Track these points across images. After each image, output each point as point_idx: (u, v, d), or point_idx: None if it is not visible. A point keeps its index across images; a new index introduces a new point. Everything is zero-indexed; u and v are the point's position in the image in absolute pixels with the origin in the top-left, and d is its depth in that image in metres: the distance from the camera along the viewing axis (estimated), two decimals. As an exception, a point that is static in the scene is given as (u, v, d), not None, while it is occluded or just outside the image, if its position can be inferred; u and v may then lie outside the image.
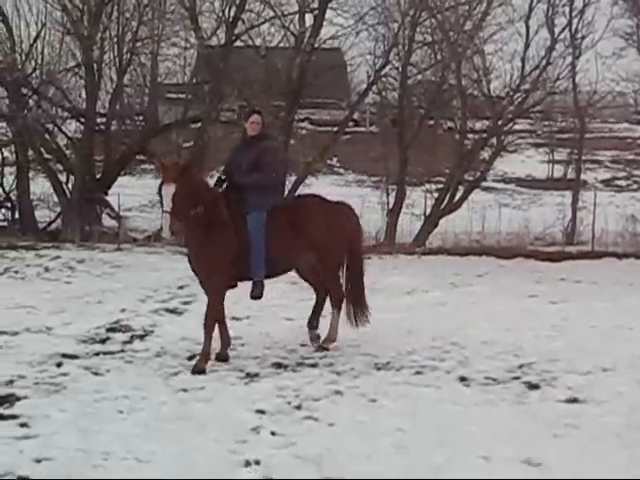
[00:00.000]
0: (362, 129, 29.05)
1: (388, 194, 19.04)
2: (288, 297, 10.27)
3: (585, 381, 6.88)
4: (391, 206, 18.61)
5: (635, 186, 27.19)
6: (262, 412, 5.77)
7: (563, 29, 19.31)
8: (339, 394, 6.56)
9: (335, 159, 27.65)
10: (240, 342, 8.30)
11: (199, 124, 18.87)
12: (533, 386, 6.93)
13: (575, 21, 19.37)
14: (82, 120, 18.99)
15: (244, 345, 8.26)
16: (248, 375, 7.08)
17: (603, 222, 18.73)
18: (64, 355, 7.77)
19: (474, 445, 5.02)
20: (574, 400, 6.37)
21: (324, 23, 18.55)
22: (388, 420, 5.73)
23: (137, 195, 20.58)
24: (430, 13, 18.25)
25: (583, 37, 19.58)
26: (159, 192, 6.74)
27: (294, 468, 4.83)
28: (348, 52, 20.70)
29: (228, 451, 5.10)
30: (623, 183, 27.86)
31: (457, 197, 18.73)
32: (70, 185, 18.58)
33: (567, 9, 19.48)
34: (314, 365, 7.45)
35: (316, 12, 18.32)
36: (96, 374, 7.20)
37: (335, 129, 20.71)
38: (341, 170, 28.44)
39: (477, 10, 18.90)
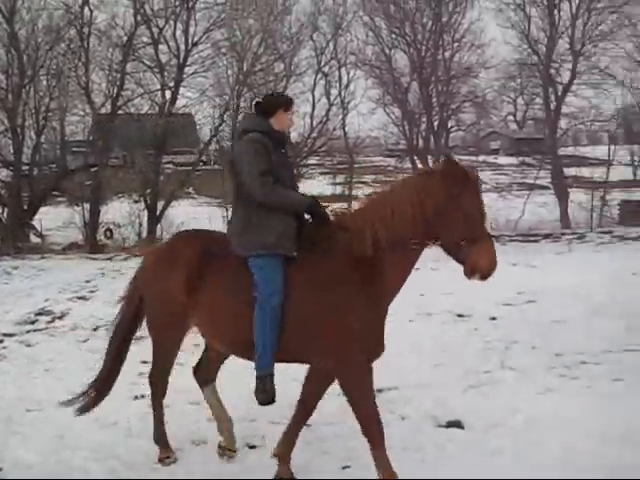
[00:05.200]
0: (209, 167, 30.75)
1: (227, 210, 20.89)
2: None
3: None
4: (229, 218, 22.66)
5: None
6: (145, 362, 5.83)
7: (336, 97, 25.49)
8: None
9: (191, 188, 30.68)
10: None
11: (95, 168, 22.29)
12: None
13: (343, 92, 25.64)
14: (11, 168, 22.71)
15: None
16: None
17: None
18: (4, 334, 9.01)
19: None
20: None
21: (178, 96, 22.97)
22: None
23: (54, 219, 23.45)
24: (249, 88, 23.18)
25: (349, 102, 25.88)
26: None
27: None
28: (196, 115, 25.08)
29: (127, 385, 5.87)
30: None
31: None
32: (5, 214, 22.17)
33: (338, 84, 25.88)
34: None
35: (172, 89, 22.71)
36: (28, 345, 8.46)
37: (190, 168, 24.64)
38: (195, 195, 31.78)
39: (281, 84, 23.88)
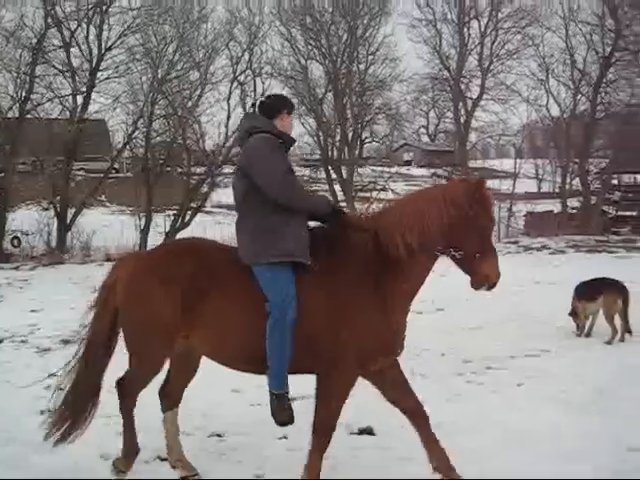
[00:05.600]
0: (122, 175, 30.95)
1: (140, 218, 22.12)
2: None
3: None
4: (142, 227, 21.90)
5: None
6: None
7: (251, 107, 25.28)
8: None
9: (104, 196, 30.09)
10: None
11: (2, 174, 21.23)
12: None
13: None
14: None
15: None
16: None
17: None
18: None
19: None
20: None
21: (90, 102, 22.31)
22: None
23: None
24: (163, 95, 22.73)
25: None
26: None
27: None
28: (109, 122, 24.70)
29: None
30: None
31: (187, 219, 22.94)
32: None
33: (253, 93, 25.53)
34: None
35: (84, 94, 22.00)
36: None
37: (102, 175, 24.02)
38: (108, 204, 30.94)
39: (196, 93, 23.87)
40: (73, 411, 4.50)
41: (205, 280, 4.15)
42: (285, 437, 5.13)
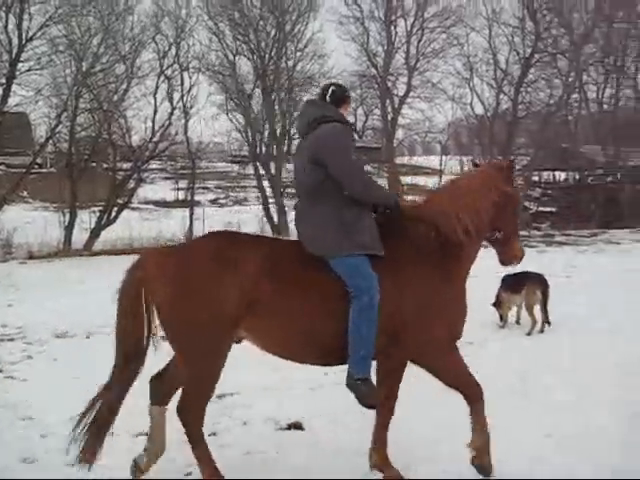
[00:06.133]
0: (45, 170, 29.76)
1: (64, 215, 21.63)
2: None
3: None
4: (66, 223, 21.37)
5: (231, 203, 33.49)
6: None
7: (178, 101, 24.74)
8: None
9: (26, 192, 29.01)
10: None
11: None
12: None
13: (186, 96, 24.91)
14: None
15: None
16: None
17: (211, 227, 21.24)
18: None
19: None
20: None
21: (10, 94, 20.90)
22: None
23: None
24: (88, 88, 22.13)
25: (192, 106, 25.40)
26: None
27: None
28: (31, 115, 23.51)
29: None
30: (224, 201, 33.91)
31: (113, 215, 22.54)
32: None
33: (180, 88, 24.95)
34: None
35: (4, 85, 20.71)
36: None
37: (24, 170, 22.80)
38: (30, 200, 29.87)
39: (122, 86, 23.38)
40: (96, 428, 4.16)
41: (269, 268, 4.01)
42: (214, 434, 5.07)
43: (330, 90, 4.41)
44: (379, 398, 4.16)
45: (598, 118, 31.49)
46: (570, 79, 29.43)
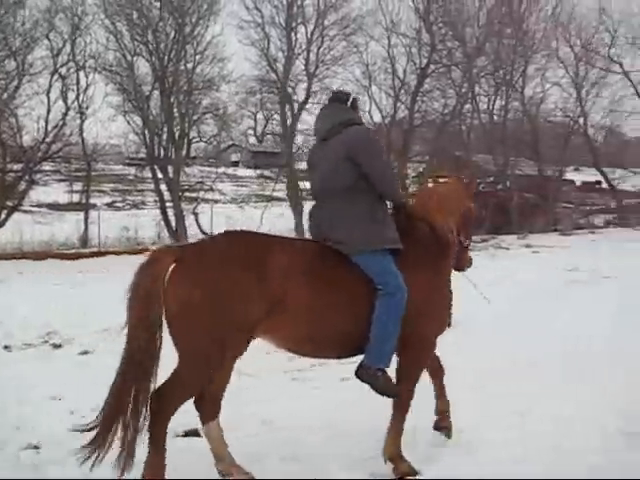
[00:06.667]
0: None
1: None
2: None
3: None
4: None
5: (128, 207, 33.08)
6: None
7: (73, 101, 24.35)
8: None
9: None
10: None
11: None
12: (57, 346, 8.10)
13: (81, 96, 24.63)
14: None
15: None
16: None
17: (106, 231, 23.39)
18: None
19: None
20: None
21: None
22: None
23: None
24: None
25: (87, 107, 24.99)
26: None
27: None
28: None
29: None
30: (120, 205, 33.40)
31: (2, 218, 21.87)
32: None
33: (76, 87, 24.69)
34: None
35: None
36: None
37: None
38: None
39: (13, 84, 22.55)
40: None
41: (295, 267, 4.02)
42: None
43: (351, 97, 4.63)
44: (397, 387, 4.32)
45: (489, 128, 32.70)
46: (463, 90, 30.52)
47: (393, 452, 4.39)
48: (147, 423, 3.90)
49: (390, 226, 4.36)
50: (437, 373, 4.96)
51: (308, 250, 4.26)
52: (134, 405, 3.88)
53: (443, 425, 4.94)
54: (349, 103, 4.57)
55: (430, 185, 5.24)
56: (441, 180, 5.38)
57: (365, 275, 4.17)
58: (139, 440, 3.91)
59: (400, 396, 4.37)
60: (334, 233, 4.30)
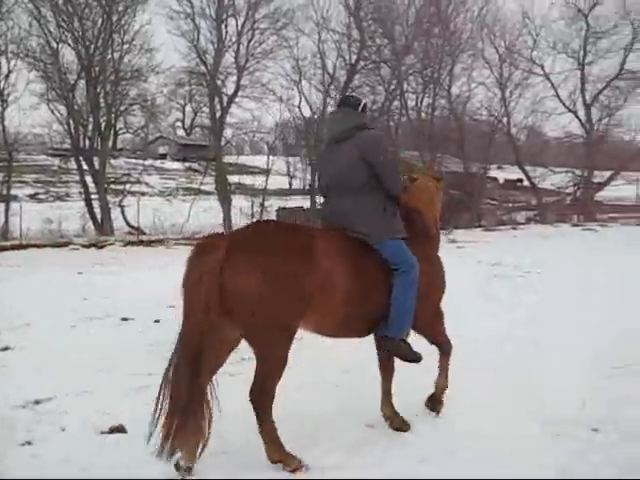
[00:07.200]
0: None
1: None
2: None
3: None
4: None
5: (51, 198, 32.24)
6: None
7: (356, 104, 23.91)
8: None
9: None
10: None
11: None
12: None
13: (3, 82, 23.97)
14: None
15: None
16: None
17: (28, 223, 22.71)
18: None
19: None
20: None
21: None
22: None
23: None
24: None
25: (9, 94, 24.33)
26: None
27: None
28: None
29: None
30: (43, 197, 32.53)
31: None
32: None
33: None
34: None
35: None
36: None
37: None
38: None
39: None
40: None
41: (334, 252, 4.44)
42: (29, 443, 4.80)
43: (363, 103, 5.15)
44: (417, 353, 4.88)
45: (416, 125, 33.18)
46: (392, 87, 30.85)
47: (443, 384, 5.26)
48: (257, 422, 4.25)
49: (399, 218, 4.97)
50: (388, 371, 5.22)
51: (339, 237, 4.67)
52: (190, 391, 4.10)
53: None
54: (360, 108, 5.08)
55: (418, 183, 5.63)
56: (420, 178, 5.73)
57: (383, 259, 4.72)
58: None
59: (443, 347, 5.25)
60: (357, 226, 4.77)
